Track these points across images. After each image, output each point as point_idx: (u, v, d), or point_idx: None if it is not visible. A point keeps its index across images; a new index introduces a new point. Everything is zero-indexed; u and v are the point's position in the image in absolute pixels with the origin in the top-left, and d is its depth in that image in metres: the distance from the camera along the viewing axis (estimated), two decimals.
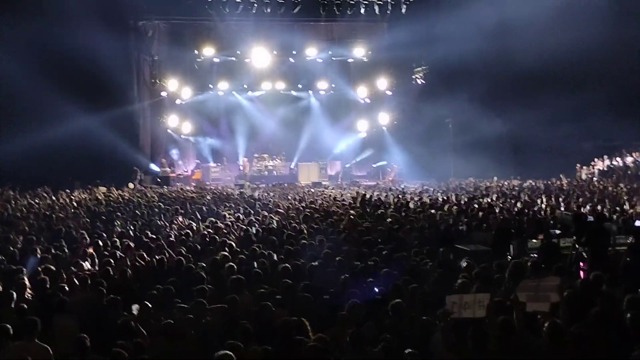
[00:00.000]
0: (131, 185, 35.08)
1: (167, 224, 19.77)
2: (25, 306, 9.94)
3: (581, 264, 13.77)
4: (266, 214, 21.71)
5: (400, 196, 27.21)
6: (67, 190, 29.85)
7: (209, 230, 18.02)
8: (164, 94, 40.68)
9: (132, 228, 18.77)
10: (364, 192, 28.00)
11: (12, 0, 32.59)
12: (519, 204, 24.12)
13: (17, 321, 9.16)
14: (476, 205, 22.77)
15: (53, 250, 14.65)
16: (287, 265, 12.71)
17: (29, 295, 11.01)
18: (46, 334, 9.01)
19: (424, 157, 39.19)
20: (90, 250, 15.09)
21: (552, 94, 37.45)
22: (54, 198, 26.86)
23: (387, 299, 10.26)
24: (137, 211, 22.53)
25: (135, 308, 9.54)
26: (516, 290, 8.18)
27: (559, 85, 37.91)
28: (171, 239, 16.51)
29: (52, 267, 12.70)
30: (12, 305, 10.19)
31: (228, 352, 7.51)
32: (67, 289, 10.99)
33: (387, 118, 43.02)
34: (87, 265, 13.49)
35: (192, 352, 8.69)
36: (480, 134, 37.74)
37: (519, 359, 7.77)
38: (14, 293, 10.58)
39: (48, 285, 11.40)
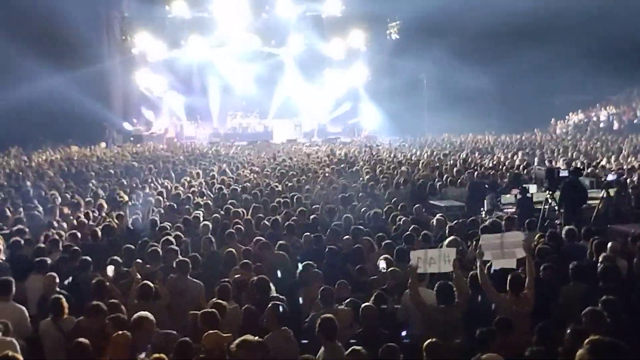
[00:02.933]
0: (103, 145, 34.73)
1: (141, 184, 19.58)
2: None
3: (556, 221, 13.89)
4: (241, 172, 21.61)
5: (374, 153, 27.19)
6: (39, 150, 29.46)
7: (183, 189, 17.91)
8: (134, 51, 40.08)
9: (106, 187, 18.59)
10: (339, 150, 27.96)
11: None
12: (493, 160, 24.22)
13: None
14: (450, 161, 22.83)
15: (25, 211, 14.51)
16: (264, 222, 12.76)
17: (2, 257, 10.89)
18: (20, 294, 8.92)
19: (399, 114, 39.15)
20: (66, 210, 14.94)
21: (526, 48, 37.47)
22: (25, 158, 26.52)
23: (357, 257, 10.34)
24: (110, 170, 22.32)
25: (110, 269, 9.45)
26: (480, 248, 8.17)
27: (533, 40, 37.97)
28: (148, 198, 16.39)
29: (25, 228, 12.58)
30: None
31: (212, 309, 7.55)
32: (42, 249, 10.86)
33: (362, 74, 42.79)
34: (62, 225, 13.34)
35: (167, 313, 8.66)
36: (455, 90, 37.79)
37: (484, 312, 7.82)
38: None
39: (22, 246, 11.29)
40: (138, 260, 10.17)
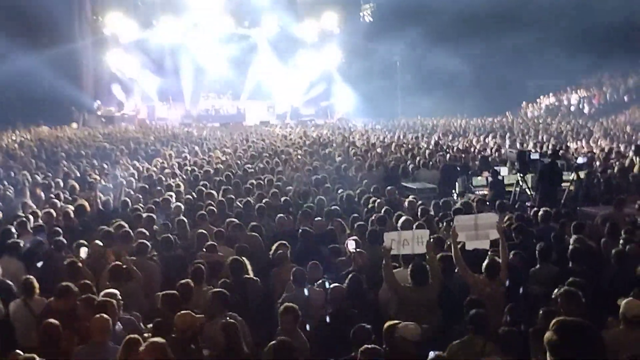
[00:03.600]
0: (74, 125, 34.41)
1: (112, 165, 19.47)
2: None
3: (526, 203, 14.04)
4: (213, 154, 21.56)
5: (347, 135, 27.23)
6: (9, 131, 29.12)
7: (155, 170, 17.84)
8: (106, 31, 39.65)
9: (77, 168, 18.46)
10: (312, 132, 27.97)
11: None
12: (465, 142, 24.38)
13: None
14: (423, 144, 22.95)
15: None
16: (237, 205, 12.76)
17: None
18: None
19: (373, 96, 39.26)
20: (38, 191, 14.81)
21: (500, 32, 37.62)
22: None
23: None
24: (81, 151, 22.15)
25: (83, 251, 9.40)
26: (453, 228, 8.25)
27: (506, 24, 38.09)
28: (118, 180, 16.29)
29: None
30: None
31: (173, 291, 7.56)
32: (13, 231, 10.76)
33: (335, 56, 42.76)
34: (33, 206, 13.22)
35: (139, 294, 8.65)
36: (428, 73, 37.97)
37: (465, 293, 7.90)
38: None
39: None
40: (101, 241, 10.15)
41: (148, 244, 9.66)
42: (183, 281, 8.05)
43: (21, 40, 31.02)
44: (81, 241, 9.82)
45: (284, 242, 9.68)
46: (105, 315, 6.66)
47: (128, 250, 9.60)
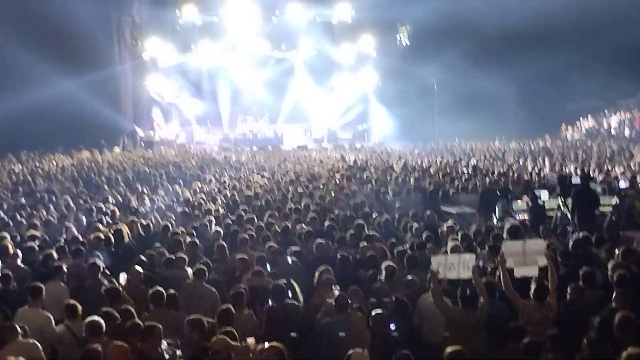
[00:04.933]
0: (117, 149, 34.83)
1: (152, 190, 19.63)
2: (10, 273, 9.83)
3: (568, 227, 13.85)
4: (252, 178, 21.66)
5: (385, 158, 27.19)
6: (50, 155, 29.53)
7: (195, 194, 17.96)
8: (145, 56, 40.15)
9: (117, 193, 18.64)
10: (349, 155, 27.98)
11: None
12: (504, 166, 24.18)
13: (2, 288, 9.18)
14: (461, 168, 22.82)
15: (38, 216, 14.58)
16: (276, 229, 12.78)
17: (18, 262, 10.92)
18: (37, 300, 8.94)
19: (409, 119, 39.16)
20: (80, 215, 14.97)
21: (536, 53, 37.48)
22: (37, 163, 26.62)
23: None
24: (118, 176, 22.35)
25: (123, 277, 9.48)
26: (502, 255, 8.20)
27: (543, 45, 37.94)
28: (158, 203, 16.44)
29: (38, 234, 12.61)
30: None
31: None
32: (55, 255, 10.88)
33: (372, 79, 42.77)
34: (74, 231, 13.36)
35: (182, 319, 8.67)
36: (465, 95, 37.79)
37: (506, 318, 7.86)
38: None
39: (36, 252, 11.32)
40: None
41: (205, 268, 9.69)
42: (223, 306, 8.08)
43: (61, 65, 31.47)
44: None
45: (329, 267, 9.68)
46: (123, 345, 6.75)
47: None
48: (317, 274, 9.56)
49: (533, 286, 7.93)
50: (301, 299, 9.01)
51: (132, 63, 40.01)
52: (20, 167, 25.14)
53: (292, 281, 9.11)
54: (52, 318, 8.49)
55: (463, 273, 8.01)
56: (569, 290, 8.27)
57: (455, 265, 8.05)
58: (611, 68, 35.52)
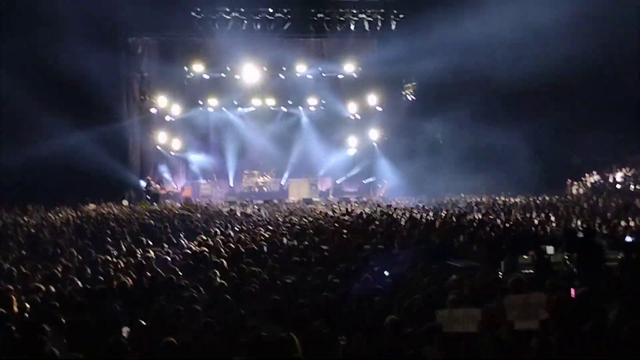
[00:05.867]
0: (125, 202, 34.98)
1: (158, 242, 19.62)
2: (12, 326, 9.77)
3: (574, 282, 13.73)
4: (257, 231, 21.63)
5: (389, 212, 27.14)
6: (56, 208, 29.60)
7: (199, 247, 17.93)
8: (153, 110, 40.56)
9: (122, 246, 18.62)
10: (355, 209, 27.95)
11: (2, 17, 32.48)
12: (509, 220, 24.12)
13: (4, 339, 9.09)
14: (467, 221, 22.77)
15: (43, 270, 14.56)
16: (279, 282, 12.72)
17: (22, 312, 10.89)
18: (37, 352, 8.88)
19: (415, 173, 39.20)
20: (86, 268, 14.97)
21: (541, 109, 37.67)
22: (42, 215, 26.67)
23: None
24: (123, 229, 22.36)
25: (125, 331, 9.41)
26: (502, 307, 8.14)
27: (548, 101, 38.16)
28: (163, 256, 16.41)
29: (42, 286, 12.58)
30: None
31: None
32: (57, 307, 10.84)
33: (377, 134, 43.07)
34: (79, 284, 13.33)
35: None
36: (471, 150, 37.87)
37: None
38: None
39: (39, 305, 11.29)
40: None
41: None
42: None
43: (70, 118, 31.86)
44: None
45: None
46: None
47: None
48: None
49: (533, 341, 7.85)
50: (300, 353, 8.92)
51: (140, 117, 40.39)
52: (26, 219, 25.18)
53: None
54: None
55: (469, 326, 7.95)
56: None
57: (461, 318, 7.99)
58: (619, 124, 35.63)
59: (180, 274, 14.09)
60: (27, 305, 11.12)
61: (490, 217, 25.45)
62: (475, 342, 7.77)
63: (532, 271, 14.53)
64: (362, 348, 8.77)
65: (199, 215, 27.01)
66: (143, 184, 39.32)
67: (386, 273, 13.45)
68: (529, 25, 34.35)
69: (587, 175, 40.42)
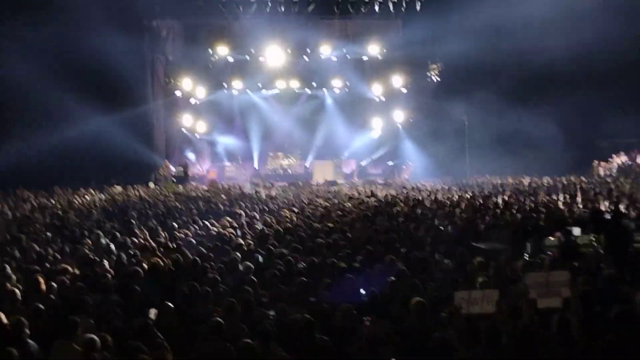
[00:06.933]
0: (152, 185, 35.22)
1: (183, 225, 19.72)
2: (42, 306, 9.90)
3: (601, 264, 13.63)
4: (282, 213, 21.69)
5: (415, 194, 27.09)
6: (82, 190, 29.87)
7: (225, 229, 18.00)
8: (178, 93, 40.69)
9: (148, 228, 18.75)
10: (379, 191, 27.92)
11: (26, 2, 32.66)
12: (535, 202, 23.95)
13: (33, 320, 9.20)
14: (492, 204, 22.66)
15: (68, 251, 14.74)
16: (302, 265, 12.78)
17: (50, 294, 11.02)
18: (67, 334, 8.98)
19: (440, 155, 39.03)
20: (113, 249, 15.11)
21: (568, 90, 37.23)
22: (69, 198, 26.92)
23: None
24: (149, 211, 22.51)
25: (153, 312, 9.47)
26: (524, 285, 8.14)
27: (575, 82, 37.72)
28: (188, 238, 16.52)
29: (69, 267, 12.72)
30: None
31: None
32: (85, 288, 10.96)
33: (402, 116, 42.85)
34: (107, 265, 13.46)
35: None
36: (496, 132, 37.59)
37: (531, 355, 7.72)
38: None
39: (67, 286, 11.42)
40: None
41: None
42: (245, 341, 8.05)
43: (96, 102, 32.04)
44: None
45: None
46: None
47: None
48: None
49: (556, 318, 7.84)
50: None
51: (165, 100, 40.58)
52: (53, 202, 25.43)
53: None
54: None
55: (487, 307, 7.96)
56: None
57: (478, 300, 8.01)
58: None
59: (208, 255, 14.12)
60: (55, 286, 11.25)
61: (516, 198, 25.28)
62: (494, 323, 7.76)
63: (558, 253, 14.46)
64: (386, 330, 8.77)
65: (224, 198, 27.09)
66: (172, 167, 39.50)
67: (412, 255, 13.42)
68: (556, 6, 33.97)
69: (614, 156, 39.99)
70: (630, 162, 39.07)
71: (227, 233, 17.12)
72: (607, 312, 8.61)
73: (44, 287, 11.16)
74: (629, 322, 8.47)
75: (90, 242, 16.16)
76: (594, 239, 14.12)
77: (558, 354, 7.53)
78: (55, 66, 31.40)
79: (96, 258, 13.99)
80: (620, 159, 39.63)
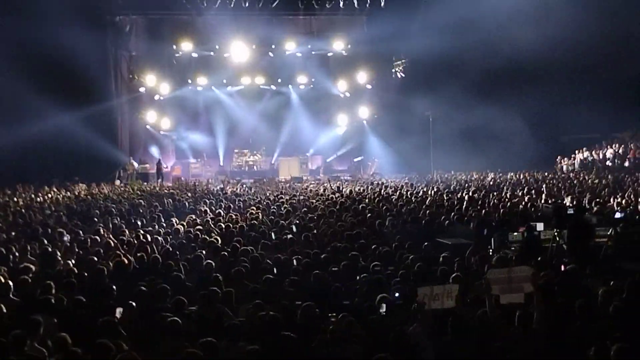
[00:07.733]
0: (117, 182, 34.93)
1: (147, 222, 19.56)
2: (2, 306, 9.75)
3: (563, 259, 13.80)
4: (248, 210, 21.61)
5: (380, 190, 27.16)
6: (45, 188, 29.49)
7: (190, 227, 17.89)
8: (142, 89, 40.42)
9: (112, 226, 18.57)
10: (344, 187, 27.94)
11: None
12: (499, 197, 24.14)
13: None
14: (457, 199, 22.80)
15: (30, 249, 14.54)
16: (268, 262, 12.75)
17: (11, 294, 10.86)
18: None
19: (405, 151, 39.21)
20: (75, 248, 14.92)
21: (531, 87, 37.63)
22: (32, 196, 26.57)
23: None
24: (113, 209, 22.28)
25: (118, 311, 9.39)
26: (486, 282, 8.24)
27: (537, 79, 38.14)
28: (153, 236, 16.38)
29: (32, 266, 12.55)
30: None
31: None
32: (49, 288, 10.81)
33: (367, 112, 43.03)
34: (70, 263, 13.30)
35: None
36: (460, 127, 37.86)
37: (495, 348, 7.80)
38: None
39: (29, 284, 11.25)
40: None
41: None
42: (206, 339, 8.01)
43: (59, 98, 31.65)
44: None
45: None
46: None
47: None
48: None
49: (517, 313, 7.94)
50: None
51: (129, 97, 40.23)
52: (15, 200, 25.07)
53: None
54: (46, 353, 8.39)
55: (447, 302, 8.04)
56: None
57: (439, 295, 8.08)
58: (605, 101, 35.60)
59: (173, 253, 14.03)
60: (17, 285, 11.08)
61: (481, 194, 25.45)
62: (458, 318, 7.84)
63: (521, 248, 14.59)
64: (352, 326, 8.77)
65: (189, 195, 26.94)
66: (133, 163, 39.20)
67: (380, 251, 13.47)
68: (520, 1, 34.28)
69: (577, 152, 40.48)
70: (592, 158, 39.54)
71: (192, 230, 17.00)
72: (569, 306, 8.74)
73: (5, 286, 10.99)
74: (591, 314, 8.63)
75: (53, 240, 15.95)
76: (556, 234, 14.25)
77: (521, 347, 7.63)
78: (16, 62, 31.01)
79: (59, 256, 13.80)
80: (582, 155, 40.11)
